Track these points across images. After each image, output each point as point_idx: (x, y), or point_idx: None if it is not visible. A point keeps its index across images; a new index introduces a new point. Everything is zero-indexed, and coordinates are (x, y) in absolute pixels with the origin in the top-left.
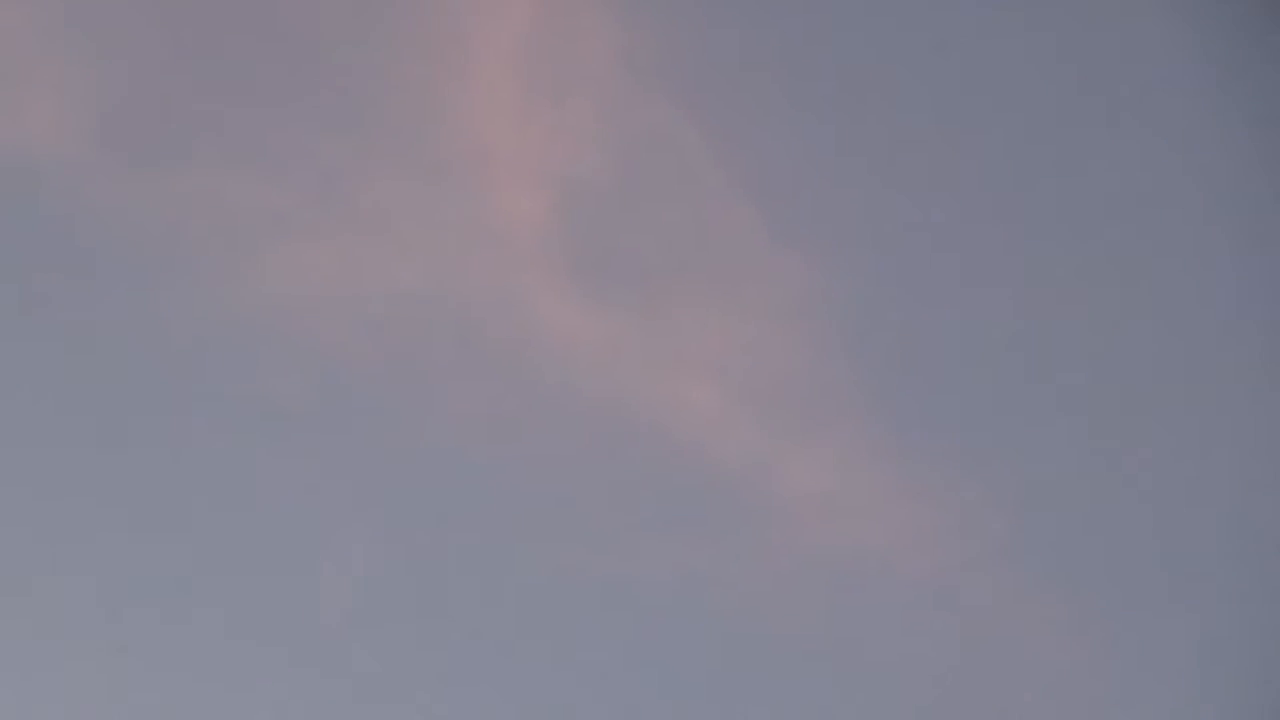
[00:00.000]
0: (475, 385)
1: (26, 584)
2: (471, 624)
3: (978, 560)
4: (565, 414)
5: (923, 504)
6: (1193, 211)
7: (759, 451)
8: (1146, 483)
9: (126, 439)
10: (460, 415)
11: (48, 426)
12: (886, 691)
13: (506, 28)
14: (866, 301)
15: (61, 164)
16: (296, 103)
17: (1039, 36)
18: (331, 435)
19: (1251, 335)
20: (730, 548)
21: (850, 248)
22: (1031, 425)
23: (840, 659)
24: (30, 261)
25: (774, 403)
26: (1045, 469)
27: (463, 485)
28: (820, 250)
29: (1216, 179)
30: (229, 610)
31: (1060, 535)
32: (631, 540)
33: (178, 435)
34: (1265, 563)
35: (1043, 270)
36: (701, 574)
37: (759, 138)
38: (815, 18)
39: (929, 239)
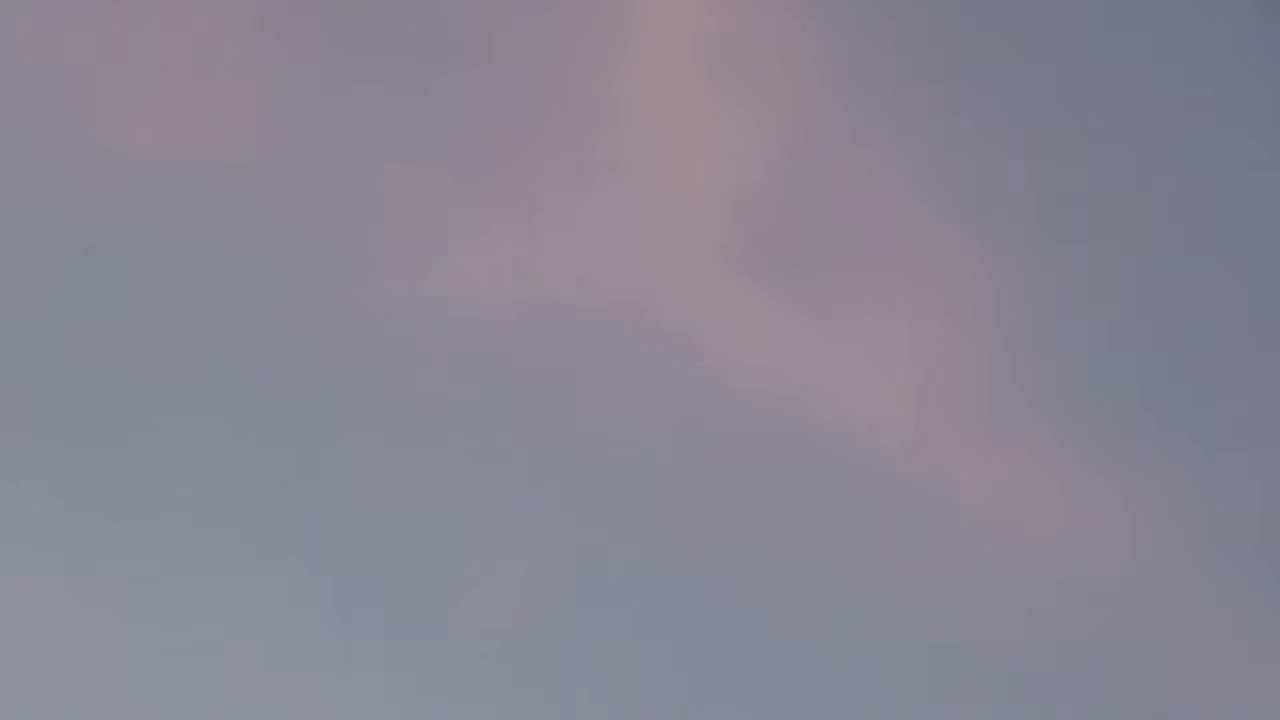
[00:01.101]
0: (648, 389)
1: (187, 576)
2: (638, 629)
3: (1159, 568)
4: (741, 417)
5: (1106, 509)
6: None
7: (939, 454)
8: None
9: (288, 435)
10: (632, 419)
11: (212, 418)
12: (1064, 697)
13: (683, 25)
14: (1050, 303)
15: (229, 163)
16: (467, 100)
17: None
18: (496, 434)
19: None
20: (908, 551)
21: (1035, 248)
22: (1219, 431)
23: (1021, 665)
24: (201, 259)
25: (954, 405)
26: (1233, 476)
27: (633, 489)
28: (1004, 251)
29: None
30: (386, 613)
31: (1244, 545)
32: (809, 544)
33: (340, 431)
34: None
35: (1236, 270)
36: (878, 577)
37: (942, 137)
38: (995, 10)
39: (1119, 239)
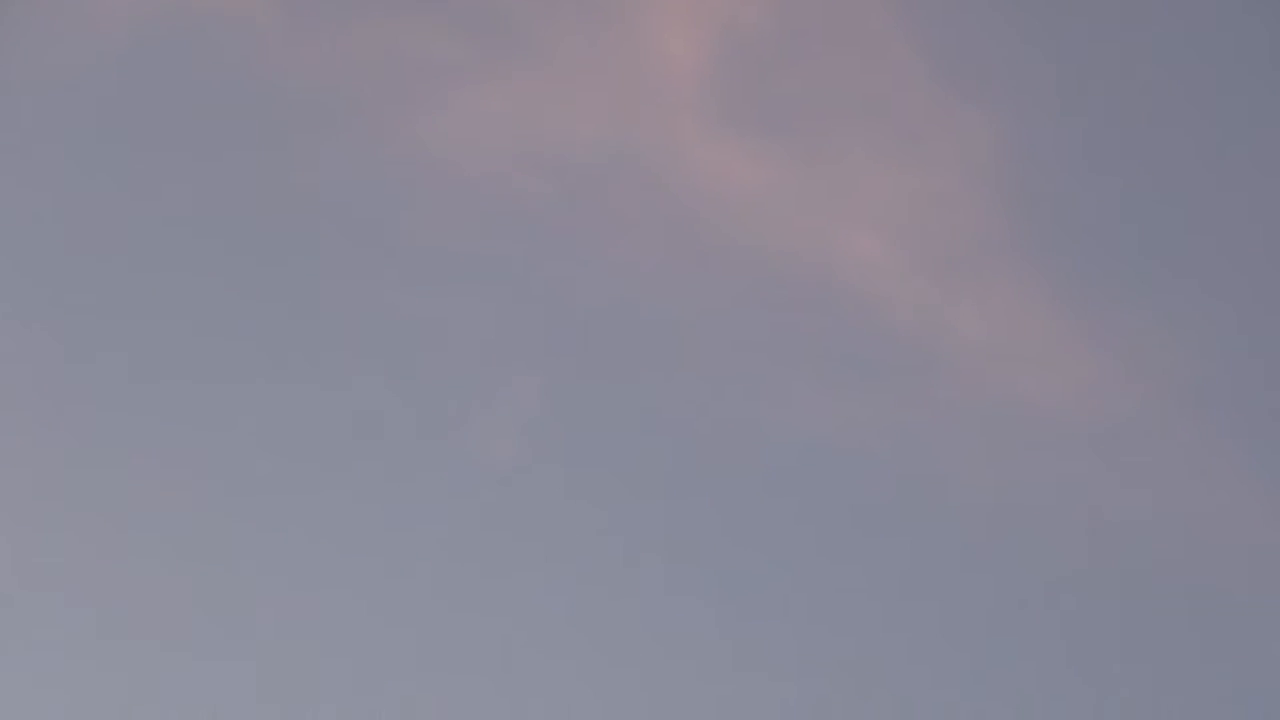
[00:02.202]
0: (640, 232)
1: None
2: (634, 469)
3: (1151, 408)
4: (728, 261)
5: (1094, 351)
6: None
7: (926, 300)
8: None
9: (304, 288)
10: (624, 262)
11: (224, 274)
12: (1052, 538)
13: None
14: (1039, 151)
15: (235, 20)
16: None
17: None
18: (500, 280)
19: None
20: (897, 396)
21: (1024, 99)
22: (1208, 272)
23: (1007, 506)
24: (206, 117)
25: (942, 252)
26: (1223, 316)
27: (626, 332)
28: (992, 101)
29: None
30: (391, 451)
31: (1238, 384)
32: (796, 388)
33: (354, 283)
34: None
35: (1228, 126)
36: (867, 421)
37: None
38: None
39: (1112, 94)
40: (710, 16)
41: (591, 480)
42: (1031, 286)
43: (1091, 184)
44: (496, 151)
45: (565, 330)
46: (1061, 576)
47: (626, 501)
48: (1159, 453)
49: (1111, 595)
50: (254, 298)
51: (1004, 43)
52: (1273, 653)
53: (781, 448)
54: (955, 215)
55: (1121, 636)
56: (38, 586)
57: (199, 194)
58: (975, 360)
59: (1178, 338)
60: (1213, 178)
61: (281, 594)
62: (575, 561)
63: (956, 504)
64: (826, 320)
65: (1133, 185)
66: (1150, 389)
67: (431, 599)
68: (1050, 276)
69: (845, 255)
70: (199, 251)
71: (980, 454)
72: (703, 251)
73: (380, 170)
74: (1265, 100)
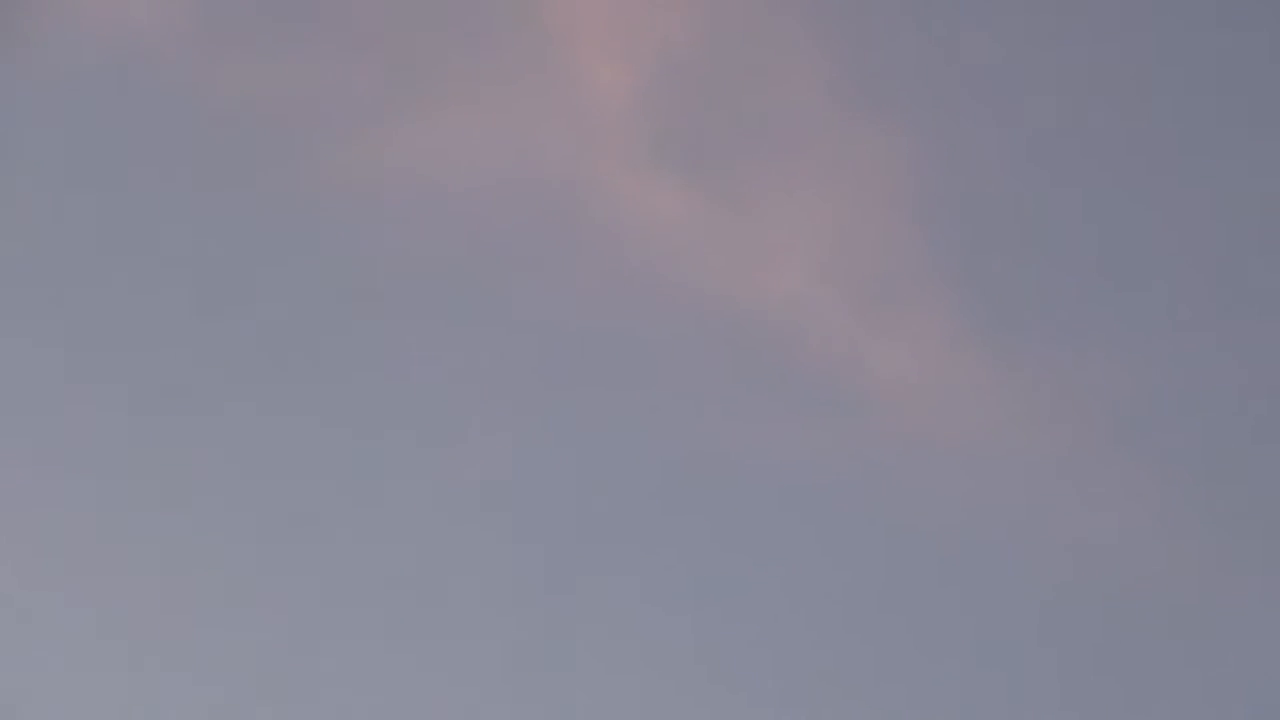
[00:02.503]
0: (559, 267)
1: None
2: (560, 499)
3: (1072, 442)
4: (649, 295)
5: (1015, 383)
6: None
7: (846, 335)
8: (1251, 361)
9: (225, 305)
10: (543, 296)
11: (182, 291)
12: (977, 568)
13: None
14: (957, 187)
15: (158, 50)
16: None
17: None
18: (414, 313)
19: None
20: (819, 431)
21: (949, 135)
22: (1129, 304)
23: (929, 534)
24: (137, 146)
25: (862, 286)
26: (1144, 347)
27: (547, 364)
28: (918, 136)
29: None
30: (319, 467)
31: (1156, 416)
32: (720, 422)
33: (276, 307)
34: None
35: (1143, 131)
36: (789, 456)
37: (850, 35)
38: None
39: (1031, 130)
40: (639, 50)
41: (522, 504)
42: (954, 319)
43: (1013, 220)
44: (421, 186)
45: (482, 363)
46: (984, 598)
47: (550, 523)
48: (1080, 481)
49: (1034, 613)
50: (184, 311)
51: (929, 77)
52: (1191, 667)
53: (704, 480)
54: (879, 250)
55: (1053, 654)
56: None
57: (120, 227)
58: (899, 393)
59: (1099, 369)
60: (1134, 211)
61: (256, 606)
62: (500, 588)
63: (881, 534)
64: (751, 354)
65: (1053, 221)
66: (1071, 419)
67: (400, 612)
68: (972, 309)
69: (770, 289)
70: (146, 274)
71: (904, 485)
72: (626, 285)
73: (305, 204)
74: (1191, 128)
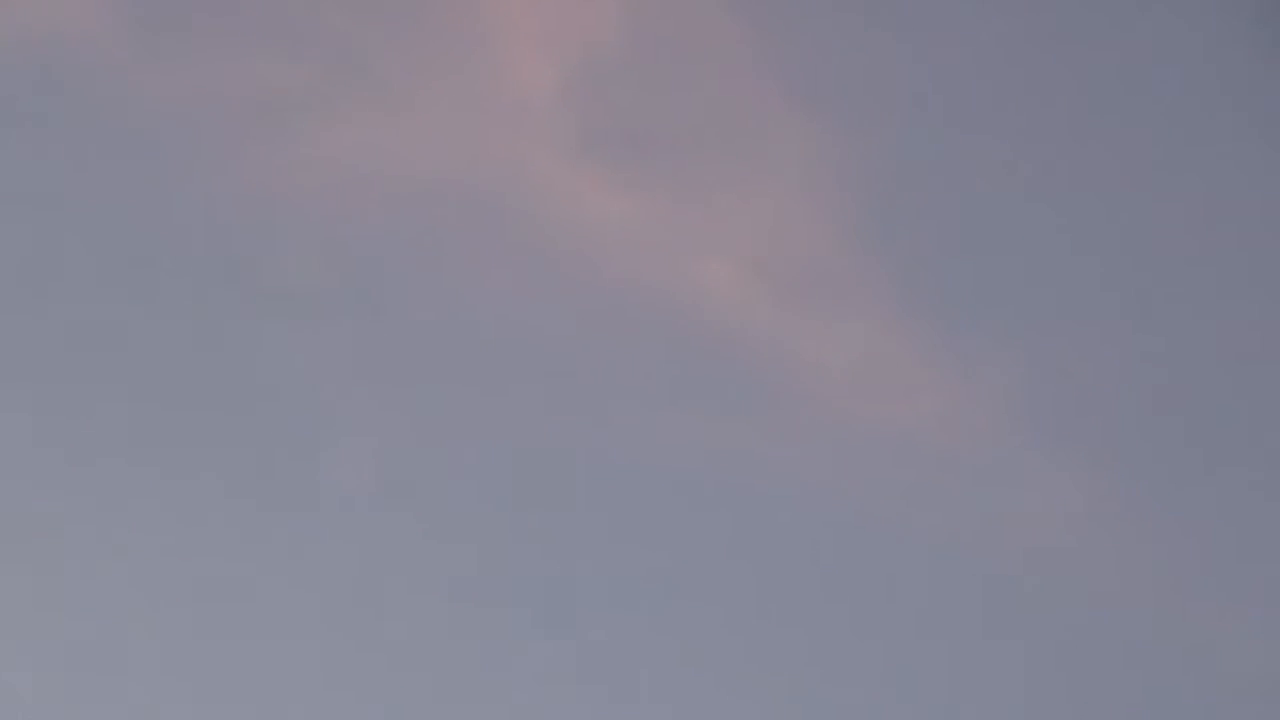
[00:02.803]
0: (493, 263)
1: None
2: (488, 501)
3: (999, 433)
4: (584, 291)
5: (944, 378)
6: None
7: (780, 328)
8: (1172, 352)
9: (148, 321)
10: (478, 294)
11: (77, 302)
12: (908, 560)
13: None
14: (888, 179)
15: (83, 48)
16: None
17: None
18: (351, 312)
19: None
20: (752, 424)
21: (877, 124)
22: (1056, 296)
23: (863, 530)
24: (53, 146)
25: (795, 279)
26: (1067, 342)
27: (481, 363)
28: (845, 126)
29: None
30: (255, 479)
31: (1078, 405)
32: (651, 417)
33: (200, 316)
34: None
35: (1076, 140)
36: (723, 449)
37: (787, 25)
38: None
39: (954, 123)
40: (564, 44)
41: (442, 507)
42: (882, 311)
43: (939, 216)
44: (349, 183)
45: (412, 361)
46: (914, 583)
47: (477, 528)
48: (1000, 467)
49: (961, 597)
50: (91, 326)
51: (858, 70)
52: (1116, 650)
53: (637, 473)
54: (809, 242)
55: (979, 635)
56: None
57: (44, 223)
58: (827, 383)
59: (1018, 359)
60: (1060, 207)
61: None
62: (429, 588)
63: (813, 522)
64: (682, 347)
65: (979, 218)
66: (993, 408)
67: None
68: (899, 302)
69: (700, 282)
70: (42, 287)
71: (834, 473)
72: (555, 278)
73: (230, 203)
74: (1118, 122)
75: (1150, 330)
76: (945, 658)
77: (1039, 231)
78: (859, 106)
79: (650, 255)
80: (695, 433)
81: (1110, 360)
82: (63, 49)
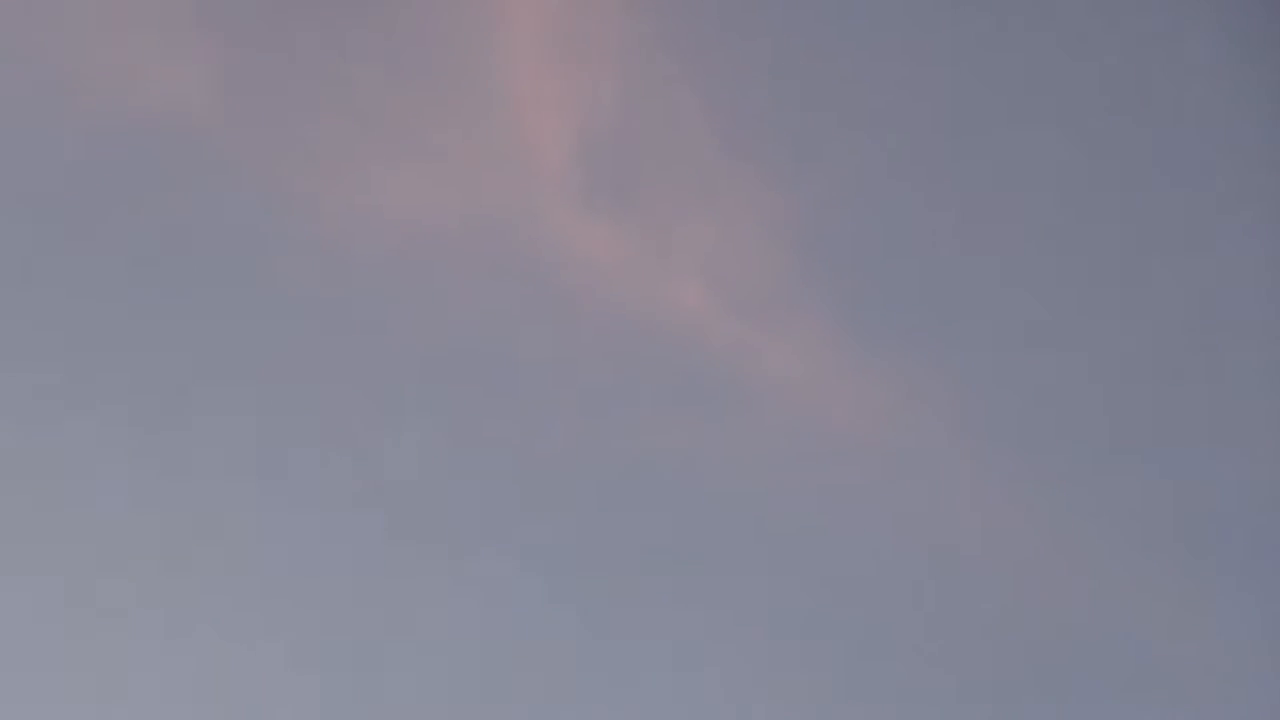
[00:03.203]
0: (505, 288)
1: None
2: (495, 498)
3: (934, 433)
4: (582, 312)
5: (882, 382)
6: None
7: (741, 343)
8: (1094, 366)
9: (196, 347)
10: (491, 311)
11: (146, 342)
12: (855, 552)
13: (543, 12)
14: (833, 217)
15: (179, 112)
16: (367, 62)
17: None
18: (388, 328)
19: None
20: (718, 426)
21: (814, 175)
22: (980, 311)
23: (813, 526)
24: (145, 199)
25: (751, 300)
26: (994, 348)
27: (493, 374)
28: (796, 179)
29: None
30: (308, 470)
31: (1003, 407)
32: (633, 419)
33: (251, 336)
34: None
35: (1000, 165)
36: (693, 449)
37: (738, 94)
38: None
39: (878, 163)
40: (569, 110)
41: (462, 505)
42: (829, 327)
43: (877, 243)
44: (389, 222)
45: (438, 373)
46: (861, 580)
47: (485, 523)
48: (940, 469)
49: (903, 593)
50: (178, 338)
51: (801, 131)
52: (1043, 653)
53: (619, 472)
54: (766, 269)
55: (920, 633)
56: None
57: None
58: (782, 389)
59: (955, 369)
60: (989, 232)
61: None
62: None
63: (770, 518)
64: (658, 359)
65: (913, 246)
66: (930, 414)
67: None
68: (844, 319)
69: (675, 303)
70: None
71: (789, 474)
72: (557, 303)
73: (305, 240)
74: (1043, 144)
75: (1078, 346)
76: (886, 645)
77: (970, 259)
78: (805, 162)
79: (634, 278)
80: (666, 433)
81: (1033, 373)
82: (163, 120)
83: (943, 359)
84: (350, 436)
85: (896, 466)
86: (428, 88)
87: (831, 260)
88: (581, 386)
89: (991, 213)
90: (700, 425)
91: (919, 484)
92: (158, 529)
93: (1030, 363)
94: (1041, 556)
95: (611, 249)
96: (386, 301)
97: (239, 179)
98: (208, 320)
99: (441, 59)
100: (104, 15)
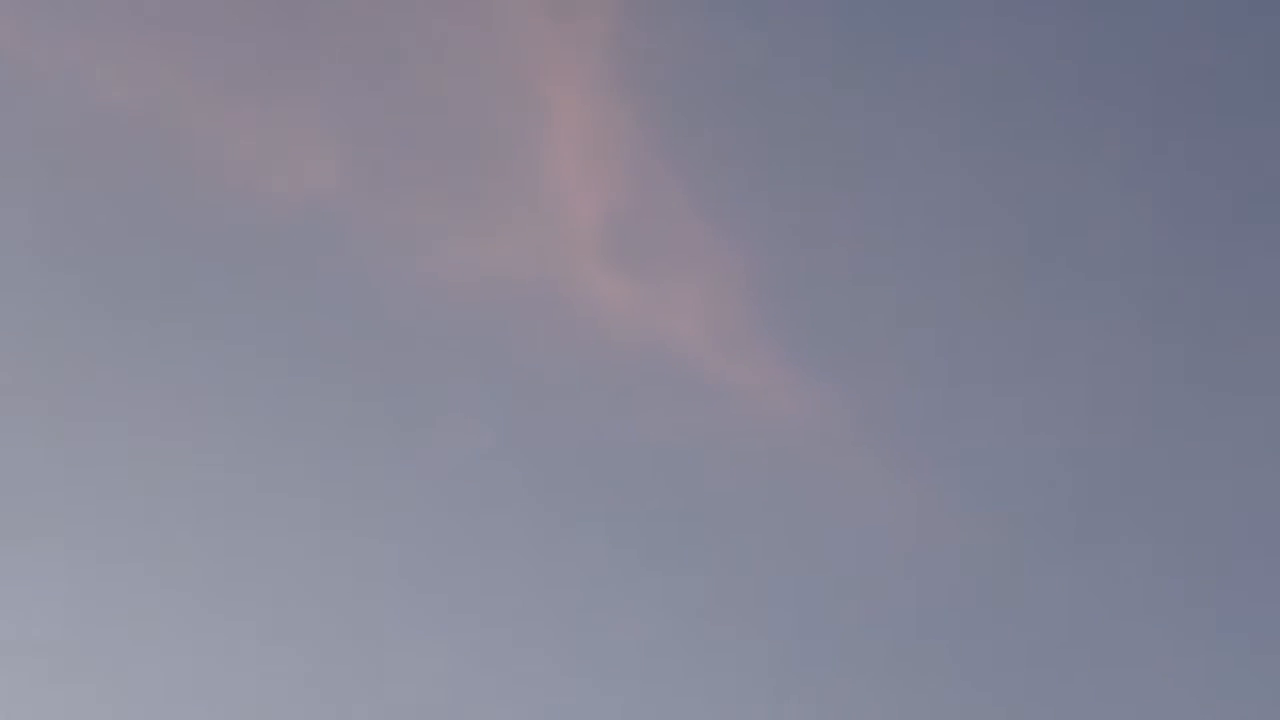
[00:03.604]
0: (547, 325)
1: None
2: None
3: (845, 432)
4: (604, 341)
5: (819, 394)
6: None
7: (719, 363)
8: (984, 366)
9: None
10: (533, 344)
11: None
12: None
13: (588, 121)
14: (787, 275)
15: (314, 206)
16: (447, 157)
17: None
18: (460, 365)
19: None
20: (702, 423)
21: (778, 248)
22: (904, 344)
23: (763, 501)
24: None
25: (729, 330)
26: (922, 366)
27: (534, 387)
28: (759, 248)
29: None
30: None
31: (926, 417)
32: (639, 420)
33: (357, 351)
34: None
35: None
36: (684, 443)
37: (722, 187)
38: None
39: (824, 226)
40: (596, 197)
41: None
42: (786, 349)
43: (825, 287)
44: (459, 275)
45: (499, 380)
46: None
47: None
48: (871, 461)
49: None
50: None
51: (764, 208)
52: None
53: (623, 467)
54: (741, 306)
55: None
56: None
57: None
58: (746, 397)
59: (884, 389)
60: (899, 282)
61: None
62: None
63: (737, 497)
64: (659, 374)
65: (856, 288)
66: (862, 417)
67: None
68: (798, 344)
69: (668, 334)
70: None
71: (752, 464)
72: (582, 338)
73: (400, 296)
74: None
75: (996, 365)
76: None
77: (893, 302)
78: (762, 233)
79: (642, 317)
80: (667, 429)
81: (952, 396)
82: (302, 210)
83: (871, 380)
84: (417, 440)
85: (833, 460)
86: (489, 175)
87: (785, 304)
88: (600, 394)
89: (912, 265)
90: (689, 422)
91: (854, 478)
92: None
93: (949, 389)
94: (970, 550)
95: (626, 296)
96: (460, 334)
97: (361, 251)
98: (319, 355)
99: (499, 155)
100: (241, 114)
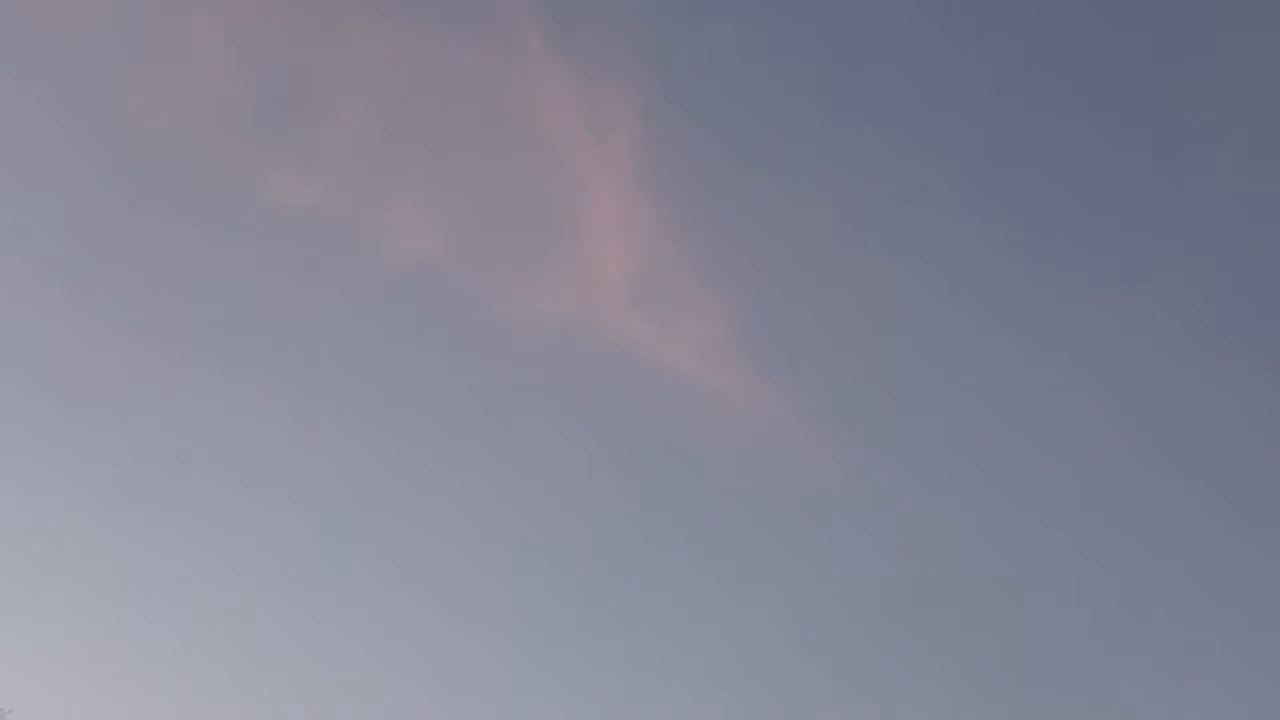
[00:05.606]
0: (580, 354)
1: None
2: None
3: (798, 414)
4: (627, 366)
5: (768, 384)
6: None
7: (712, 382)
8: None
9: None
10: (568, 368)
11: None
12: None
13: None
14: (764, 314)
15: (429, 268)
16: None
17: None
18: (531, 378)
19: None
20: (696, 428)
21: (749, 291)
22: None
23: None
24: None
25: (710, 348)
26: (844, 368)
27: (568, 400)
28: (734, 289)
29: None
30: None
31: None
32: (644, 422)
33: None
34: None
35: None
36: (680, 443)
37: (714, 250)
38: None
39: (787, 282)
40: (621, 253)
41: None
42: (761, 374)
43: (792, 328)
44: (529, 315)
45: (561, 390)
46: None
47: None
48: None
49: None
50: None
51: (742, 261)
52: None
53: (626, 463)
54: (723, 334)
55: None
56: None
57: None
58: (730, 406)
59: (807, 384)
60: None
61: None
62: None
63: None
64: (665, 392)
65: (793, 321)
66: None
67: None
68: (772, 370)
69: (674, 361)
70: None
71: (733, 459)
72: (609, 364)
73: (459, 333)
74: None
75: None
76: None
77: (854, 335)
78: (744, 281)
79: (654, 347)
80: (666, 428)
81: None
82: (415, 272)
83: (813, 387)
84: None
85: (774, 436)
86: (548, 246)
87: (754, 336)
88: (625, 396)
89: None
90: (687, 415)
91: (792, 452)
92: None
93: (877, 388)
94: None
95: (644, 330)
96: (532, 356)
97: (462, 298)
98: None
99: (555, 231)
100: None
